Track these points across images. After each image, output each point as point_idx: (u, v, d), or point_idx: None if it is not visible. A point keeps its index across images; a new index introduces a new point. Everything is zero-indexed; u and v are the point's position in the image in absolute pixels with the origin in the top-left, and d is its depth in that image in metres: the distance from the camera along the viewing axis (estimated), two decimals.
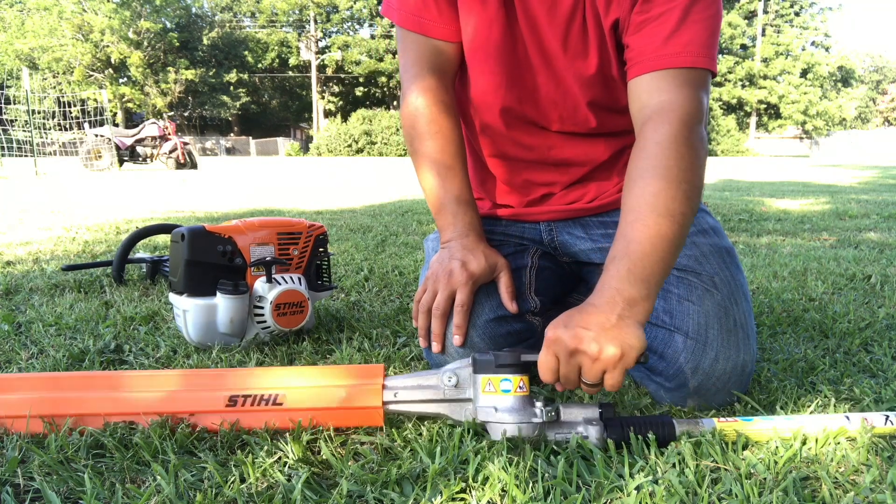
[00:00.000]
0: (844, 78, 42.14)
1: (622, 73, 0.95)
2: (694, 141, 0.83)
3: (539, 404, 0.77)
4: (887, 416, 0.81)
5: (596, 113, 1.01)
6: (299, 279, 1.19)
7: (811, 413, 0.87)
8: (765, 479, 0.69)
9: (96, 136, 11.54)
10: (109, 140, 11.56)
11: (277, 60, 40.08)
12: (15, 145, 11.18)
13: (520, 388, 0.78)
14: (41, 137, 12.28)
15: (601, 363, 0.73)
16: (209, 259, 1.14)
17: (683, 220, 0.79)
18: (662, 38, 0.87)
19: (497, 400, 0.78)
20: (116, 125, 23.67)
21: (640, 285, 0.75)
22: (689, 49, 0.87)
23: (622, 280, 0.76)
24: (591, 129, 1.04)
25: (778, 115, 38.58)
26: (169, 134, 12.10)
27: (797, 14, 39.66)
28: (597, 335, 0.72)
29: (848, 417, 0.81)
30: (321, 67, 39.48)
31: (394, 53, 37.37)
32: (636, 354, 0.73)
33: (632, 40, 0.90)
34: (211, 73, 36.42)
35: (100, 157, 11.52)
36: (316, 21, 38.80)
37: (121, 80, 34.09)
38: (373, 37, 39.45)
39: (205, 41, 37.10)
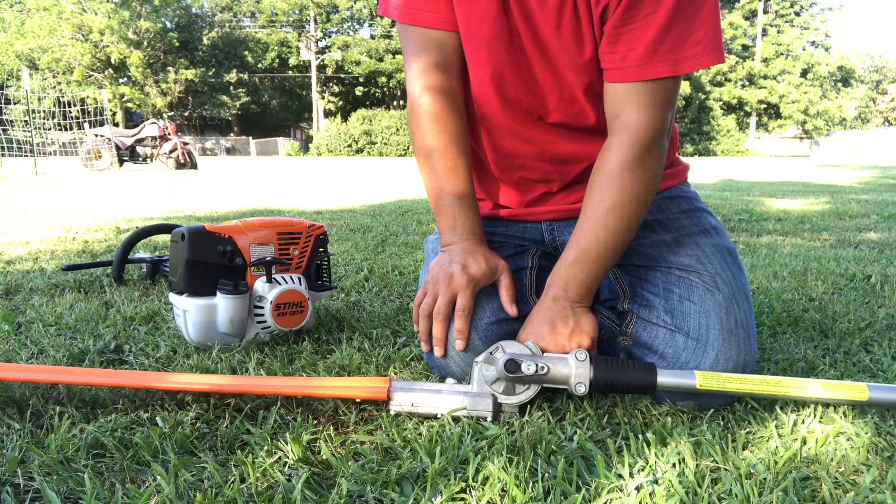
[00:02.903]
0: (844, 78, 42.12)
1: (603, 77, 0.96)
2: (651, 161, 0.92)
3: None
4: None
5: (593, 102, 1.00)
6: (299, 279, 1.19)
7: (811, 413, 0.86)
8: (765, 479, 0.70)
9: (96, 136, 11.54)
10: (109, 140, 11.56)
11: (277, 60, 40.09)
12: (15, 145, 11.18)
13: None
14: (41, 137, 12.28)
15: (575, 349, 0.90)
16: (209, 259, 1.14)
17: (628, 234, 0.93)
18: (645, 43, 0.87)
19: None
20: (116, 125, 23.68)
21: (583, 287, 0.93)
22: (668, 57, 0.87)
23: (570, 282, 0.93)
24: (590, 126, 1.03)
25: (778, 115, 38.58)
26: (169, 134, 12.11)
27: (797, 14, 39.67)
28: (569, 336, 0.91)
29: (821, 387, 0.85)
30: (321, 67, 39.48)
31: (394, 53, 37.40)
32: (597, 334, 0.94)
33: (614, 35, 0.89)
34: (211, 73, 36.43)
35: (100, 157, 11.52)
36: (316, 21, 38.80)
37: (121, 80, 34.10)
38: (373, 37, 39.46)
39: (205, 41, 37.11)
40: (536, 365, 0.83)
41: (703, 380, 0.84)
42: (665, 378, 0.85)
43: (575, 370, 0.84)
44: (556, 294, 0.93)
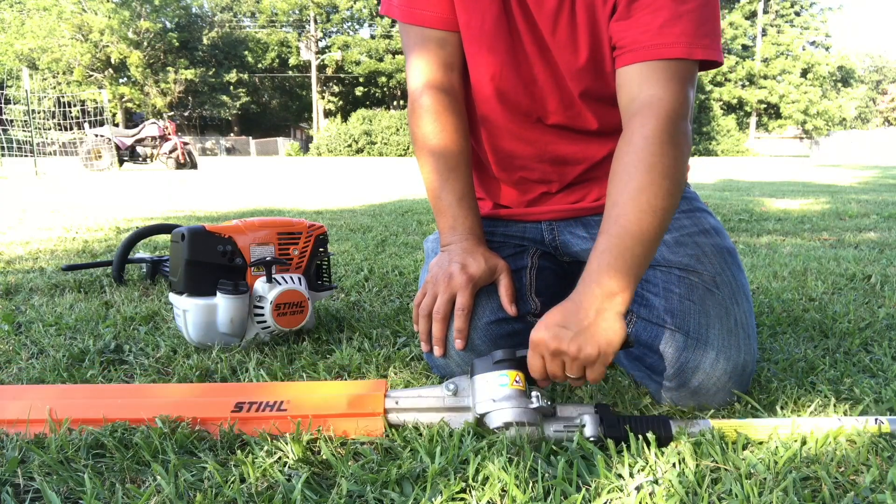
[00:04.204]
0: (844, 78, 42.13)
1: (615, 66, 0.94)
2: (678, 137, 0.85)
3: (535, 394, 0.79)
4: (877, 419, 0.81)
5: (591, 106, 1.00)
6: (299, 279, 1.19)
7: (811, 413, 0.87)
8: (765, 479, 0.69)
9: (96, 136, 11.54)
10: (109, 140, 11.56)
11: (277, 60, 40.08)
12: (15, 145, 11.17)
13: (516, 382, 0.80)
14: (41, 137, 12.27)
15: (580, 361, 0.78)
16: (209, 259, 1.14)
17: (664, 215, 0.82)
18: (656, 26, 0.86)
19: (494, 392, 0.79)
20: (116, 125, 23.68)
21: (620, 278, 0.79)
22: (682, 39, 0.86)
23: (602, 274, 0.79)
24: (590, 130, 1.03)
25: (778, 115, 38.58)
26: (169, 134, 12.10)
27: (797, 14, 39.69)
28: (575, 335, 0.77)
29: (840, 420, 0.81)
30: (321, 67, 39.48)
31: (394, 53, 37.39)
32: (613, 350, 0.77)
33: (621, 25, 0.89)
34: (211, 73, 36.43)
35: (100, 157, 11.52)
36: (316, 21, 38.79)
37: (121, 81, 34.08)
38: (373, 37, 39.46)
39: (205, 41, 37.12)
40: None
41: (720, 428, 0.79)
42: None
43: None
44: (590, 289, 0.80)
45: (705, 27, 0.87)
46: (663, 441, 0.77)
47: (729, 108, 38.41)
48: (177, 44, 35.10)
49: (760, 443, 0.79)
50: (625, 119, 0.90)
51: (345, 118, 33.60)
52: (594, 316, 0.78)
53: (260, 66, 39.52)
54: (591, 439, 0.76)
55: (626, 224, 0.81)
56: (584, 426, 0.78)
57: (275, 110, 42.51)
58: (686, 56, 0.87)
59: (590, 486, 0.68)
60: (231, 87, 37.54)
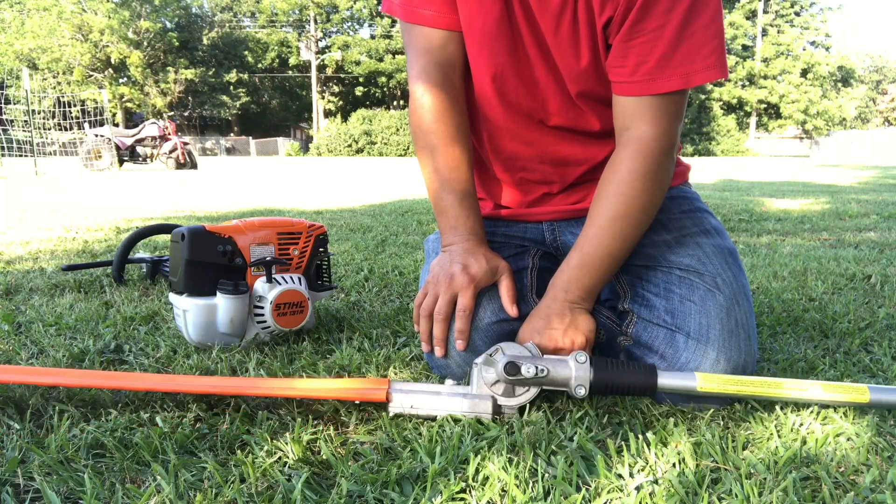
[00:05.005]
0: (844, 78, 42.12)
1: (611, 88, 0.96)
2: (660, 174, 0.93)
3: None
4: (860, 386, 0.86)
5: (592, 107, 1.00)
6: (299, 279, 1.19)
7: (811, 413, 0.86)
8: (765, 479, 0.69)
9: (96, 136, 11.54)
10: (109, 140, 11.56)
11: (277, 60, 40.09)
12: (15, 145, 11.17)
13: None
14: (41, 137, 12.27)
15: (575, 351, 0.90)
16: (209, 259, 1.14)
17: (633, 242, 0.95)
18: (655, 56, 0.86)
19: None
20: (116, 125, 23.69)
21: (584, 289, 0.94)
22: (680, 70, 0.87)
23: (571, 285, 0.94)
24: (592, 131, 1.03)
25: (778, 115, 38.58)
26: (169, 134, 12.11)
27: (797, 14, 39.69)
28: (564, 331, 0.91)
29: (822, 386, 0.85)
30: (321, 67, 39.48)
31: (394, 53, 37.40)
32: (593, 336, 0.94)
33: (621, 49, 0.89)
34: (211, 73, 36.45)
35: (100, 157, 11.52)
36: (316, 21, 38.80)
37: (121, 80, 34.09)
38: (373, 37, 39.47)
39: (205, 41, 37.13)
40: (536, 367, 0.83)
41: (704, 381, 0.84)
42: (665, 380, 0.85)
43: (575, 372, 0.84)
44: (557, 294, 0.95)
45: (707, 47, 0.87)
46: (648, 390, 0.85)
47: (729, 108, 38.42)
48: (177, 44, 35.12)
49: (766, 400, 0.79)
50: (617, 141, 0.95)
51: (345, 118, 33.62)
52: (569, 314, 0.93)
53: (260, 66, 39.53)
54: (581, 361, 0.84)
55: (598, 247, 0.93)
56: (575, 355, 0.85)
57: (275, 110, 42.53)
58: (681, 87, 0.88)
59: (590, 486, 0.68)
60: (231, 87, 37.55)
